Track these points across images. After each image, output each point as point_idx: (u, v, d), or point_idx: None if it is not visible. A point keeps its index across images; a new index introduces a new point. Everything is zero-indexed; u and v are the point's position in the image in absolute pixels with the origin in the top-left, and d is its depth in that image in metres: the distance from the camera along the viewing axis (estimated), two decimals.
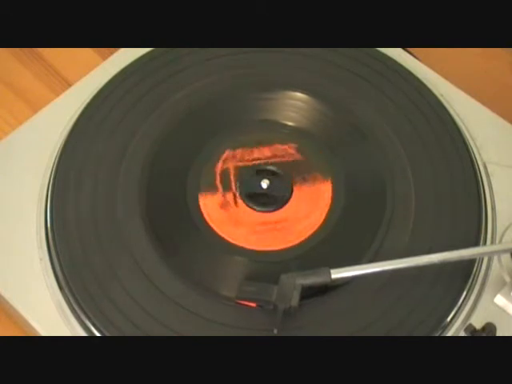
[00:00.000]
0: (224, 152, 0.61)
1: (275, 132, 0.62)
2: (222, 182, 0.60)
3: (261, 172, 0.61)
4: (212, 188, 0.60)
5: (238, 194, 0.60)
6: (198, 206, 0.59)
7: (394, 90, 0.64)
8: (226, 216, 0.59)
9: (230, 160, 0.61)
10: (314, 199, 0.60)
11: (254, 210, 0.59)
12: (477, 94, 0.65)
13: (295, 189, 0.60)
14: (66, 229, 0.57)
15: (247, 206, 0.59)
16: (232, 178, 0.61)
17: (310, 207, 0.59)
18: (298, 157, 0.61)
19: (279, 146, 0.62)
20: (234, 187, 0.60)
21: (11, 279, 0.56)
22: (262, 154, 0.62)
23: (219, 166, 0.61)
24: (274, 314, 0.53)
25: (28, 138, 0.62)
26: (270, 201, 0.60)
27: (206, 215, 0.59)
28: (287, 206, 0.60)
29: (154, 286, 0.55)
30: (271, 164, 0.61)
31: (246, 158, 0.61)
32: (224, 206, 0.59)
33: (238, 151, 0.62)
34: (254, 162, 0.61)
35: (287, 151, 0.62)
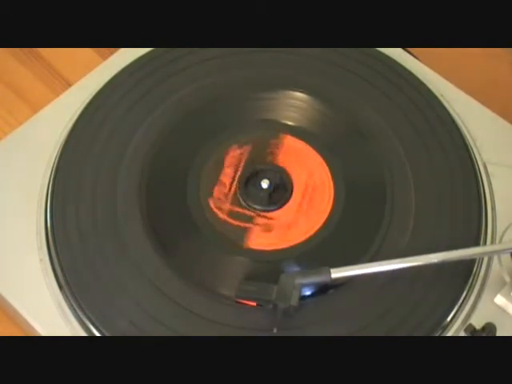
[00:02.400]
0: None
1: (275, 132, 0.62)
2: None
3: (262, 171, 0.61)
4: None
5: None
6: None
7: (394, 90, 0.64)
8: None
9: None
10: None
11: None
12: (477, 94, 0.65)
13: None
14: (66, 229, 0.57)
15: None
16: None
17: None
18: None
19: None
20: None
21: (11, 279, 0.56)
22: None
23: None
24: (273, 314, 0.53)
25: (28, 137, 0.62)
26: (270, 201, 0.60)
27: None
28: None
29: (154, 286, 0.55)
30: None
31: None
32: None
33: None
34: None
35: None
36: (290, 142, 0.62)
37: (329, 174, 0.61)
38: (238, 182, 0.60)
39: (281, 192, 0.60)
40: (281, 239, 0.58)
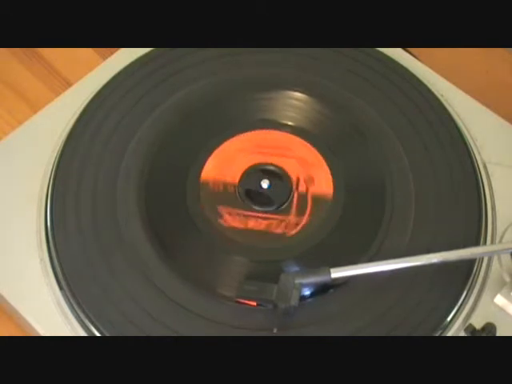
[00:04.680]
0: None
1: (275, 132, 0.63)
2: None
3: (263, 171, 0.61)
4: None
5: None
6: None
7: (393, 89, 0.64)
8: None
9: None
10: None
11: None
12: (477, 94, 0.65)
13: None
14: (66, 229, 0.57)
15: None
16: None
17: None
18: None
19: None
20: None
21: (11, 279, 0.56)
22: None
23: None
24: (273, 314, 0.53)
25: (28, 138, 0.62)
26: (269, 201, 0.60)
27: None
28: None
29: (153, 286, 0.55)
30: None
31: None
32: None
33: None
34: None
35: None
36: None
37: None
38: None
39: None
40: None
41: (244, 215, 0.59)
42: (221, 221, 0.58)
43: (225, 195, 0.60)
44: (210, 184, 0.60)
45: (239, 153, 0.61)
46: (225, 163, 0.61)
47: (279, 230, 0.58)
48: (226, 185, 0.60)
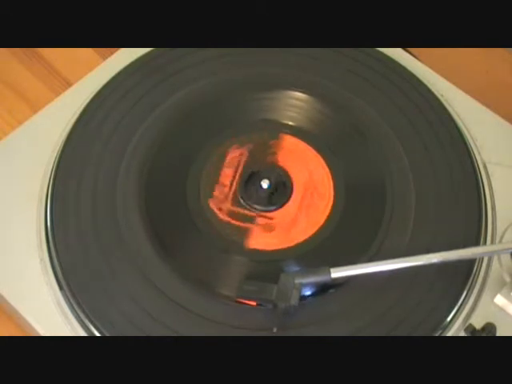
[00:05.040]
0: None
1: (275, 132, 0.62)
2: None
3: (262, 171, 0.61)
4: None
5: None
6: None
7: (393, 89, 0.64)
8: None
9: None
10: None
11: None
12: (477, 94, 0.65)
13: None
14: (66, 229, 0.57)
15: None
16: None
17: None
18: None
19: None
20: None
21: (11, 279, 0.56)
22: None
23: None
24: (273, 313, 0.53)
25: (28, 138, 0.62)
26: (270, 201, 0.60)
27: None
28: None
29: (153, 286, 0.55)
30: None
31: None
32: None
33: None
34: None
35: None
36: (290, 142, 0.62)
37: (329, 173, 0.61)
38: (238, 182, 0.60)
39: (281, 192, 0.60)
40: (281, 239, 0.58)
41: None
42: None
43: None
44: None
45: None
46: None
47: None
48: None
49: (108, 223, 0.57)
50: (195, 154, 0.61)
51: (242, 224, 0.59)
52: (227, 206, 0.59)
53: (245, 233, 0.58)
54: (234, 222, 0.59)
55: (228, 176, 0.61)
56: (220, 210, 0.59)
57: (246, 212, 0.59)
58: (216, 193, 0.60)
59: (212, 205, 0.59)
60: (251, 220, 0.59)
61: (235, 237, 0.58)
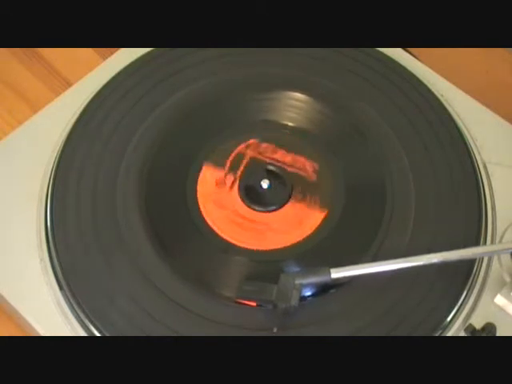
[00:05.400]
0: (249, 139, 0.62)
1: (275, 132, 0.62)
2: (231, 162, 0.61)
3: (268, 172, 0.61)
4: (220, 163, 0.61)
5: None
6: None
7: (393, 89, 0.64)
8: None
9: (251, 148, 0.62)
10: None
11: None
12: (477, 94, 0.65)
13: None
14: (66, 229, 0.57)
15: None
16: (242, 164, 0.61)
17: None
18: (311, 176, 0.61)
19: (302, 160, 0.61)
20: (239, 173, 0.60)
21: (11, 279, 0.56)
22: (283, 157, 0.61)
23: (239, 148, 0.61)
24: (273, 314, 0.53)
25: (28, 137, 0.62)
26: (263, 201, 0.59)
27: (198, 185, 0.59)
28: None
29: (154, 286, 0.55)
30: (282, 169, 0.61)
31: (267, 153, 0.61)
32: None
33: (264, 144, 0.62)
34: (270, 161, 0.61)
35: (305, 167, 0.61)
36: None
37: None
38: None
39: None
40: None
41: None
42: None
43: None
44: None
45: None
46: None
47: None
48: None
49: (108, 223, 0.57)
50: (195, 154, 0.61)
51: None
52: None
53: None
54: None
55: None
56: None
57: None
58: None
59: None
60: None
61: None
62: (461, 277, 0.56)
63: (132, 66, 0.65)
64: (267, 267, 0.56)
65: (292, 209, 0.59)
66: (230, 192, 0.60)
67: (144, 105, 0.63)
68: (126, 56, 0.65)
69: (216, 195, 0.60)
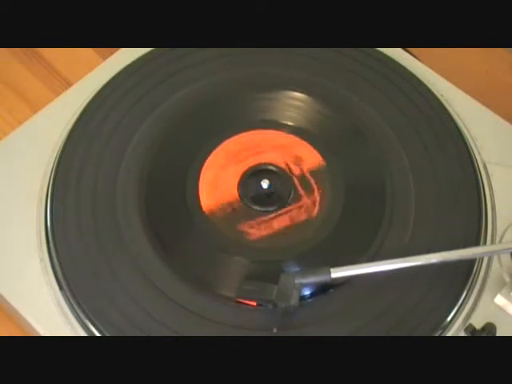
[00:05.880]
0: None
1: (275, 132, 0.63)
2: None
3: (262, 171, 0.61)
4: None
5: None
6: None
7: (393, 89, 0.64)
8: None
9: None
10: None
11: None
12: (477, 94, 0.65)
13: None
14: (66, 229, 0.57)
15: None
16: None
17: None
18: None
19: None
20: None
21: (11, 279, 0.56)
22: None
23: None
24: (273, 314, 0.53)
25: (28, 137, 0.62)
26: (270, 201, 0.59)
27: (198, 185, 0.59)
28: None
29: (153, 286, 0.55)
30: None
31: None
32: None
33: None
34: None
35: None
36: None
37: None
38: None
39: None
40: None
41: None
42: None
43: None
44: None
45: (224, 168, 0.61)
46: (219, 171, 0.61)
47: (303, 217, 0.58)
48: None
49: (108, 223, 0.57)
50: (195, 154, 0.61)
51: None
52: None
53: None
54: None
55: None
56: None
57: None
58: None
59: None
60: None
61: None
62: (461, 277, 0.56)
63: (132, 66, 0.65)
64: (267, 267, 0.56)
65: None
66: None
67: (144, 105, 0.63)
68: (126, 56, 0.65)
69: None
